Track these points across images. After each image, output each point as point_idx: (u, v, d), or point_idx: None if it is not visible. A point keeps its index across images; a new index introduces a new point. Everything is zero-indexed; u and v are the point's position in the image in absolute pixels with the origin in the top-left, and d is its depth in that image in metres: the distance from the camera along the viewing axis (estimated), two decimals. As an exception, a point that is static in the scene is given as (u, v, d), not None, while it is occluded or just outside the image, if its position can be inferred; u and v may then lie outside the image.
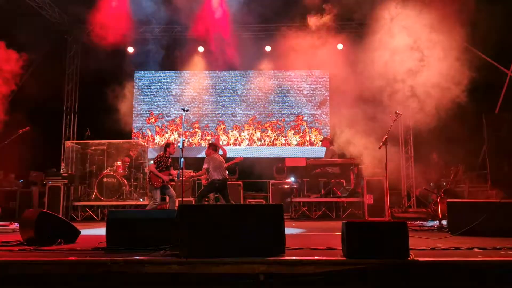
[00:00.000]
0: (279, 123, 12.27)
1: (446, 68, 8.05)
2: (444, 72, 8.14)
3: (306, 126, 12.24)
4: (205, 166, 7.81)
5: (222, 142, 11.88)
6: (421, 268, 3.23)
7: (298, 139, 12.20)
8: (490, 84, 8.13)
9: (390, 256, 3.26)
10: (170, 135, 12.32)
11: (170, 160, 8.08)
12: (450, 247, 3.96)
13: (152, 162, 8.29)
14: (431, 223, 6.98)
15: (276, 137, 12.24)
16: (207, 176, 7.95)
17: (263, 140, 12.25)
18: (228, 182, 9.67)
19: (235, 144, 12.21)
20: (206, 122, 12.32)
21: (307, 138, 12.21)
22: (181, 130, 10.93)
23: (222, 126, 12.35)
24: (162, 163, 7.89)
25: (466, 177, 8.71)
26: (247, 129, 12.29)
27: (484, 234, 4.85)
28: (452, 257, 3.53)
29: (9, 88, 8.44)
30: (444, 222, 6.16)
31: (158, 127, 12.40)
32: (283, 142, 12.20)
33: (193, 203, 8.93)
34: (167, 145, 8.10)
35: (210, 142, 8.78)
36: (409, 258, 3.25)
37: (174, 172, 8.16)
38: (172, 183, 8.09)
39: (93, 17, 10.08)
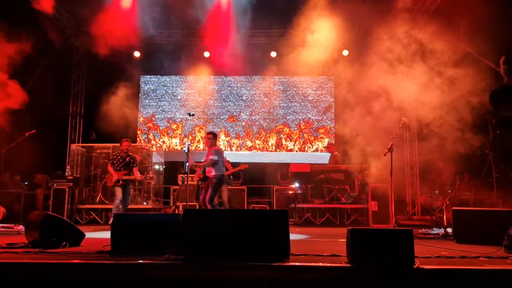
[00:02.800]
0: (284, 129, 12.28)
1: (451, 75, 8.05)
2: (450, 79, 8.14)
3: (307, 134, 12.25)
4: (215, 158, 7.19)
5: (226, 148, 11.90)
6: (426, 276, 3.21)
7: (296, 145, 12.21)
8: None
9: (395, 264, 3.25)
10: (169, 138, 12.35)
11: (128, 159, 7.91)
12: (456, 255, 3.93)
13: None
14: (436, 230, 6.94)
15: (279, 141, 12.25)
16: (214, 169, 7.20)
17: (263, 145, 12.25)
18: (232, 187, 9.71)
19: (238, 149, 12.22)
20: (211, 127, 12.35)
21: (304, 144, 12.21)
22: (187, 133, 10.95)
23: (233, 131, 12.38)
24: (116, 161, 7.82)
25: (472, 184, 8.66)
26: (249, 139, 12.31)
27: (490, 243, 4.81)
28: (458, 265, 3.50)
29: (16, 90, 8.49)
30: (449, 230, 6.12)
31: (164, 132, 12.44)
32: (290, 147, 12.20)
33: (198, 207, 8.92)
34: (120, 143, 8.05)
35: (211, 131, 7.85)
36: (414, 266, 3.24)
37: (137, 174, 7.96)
38: (118, 184, 7.76)
39: (99, 21, 10.15)
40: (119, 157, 7.92)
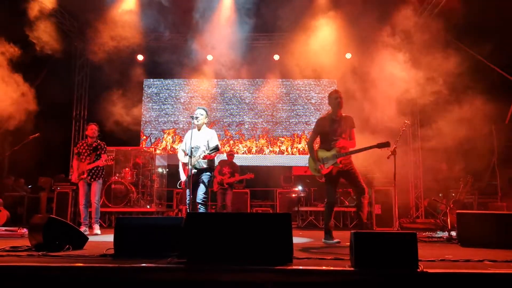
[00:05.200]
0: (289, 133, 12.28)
1: (456, 78, 8.03)
2: (454, 83, 8.12)
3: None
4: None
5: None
6: (430, 280, 3.19)
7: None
8: (500, 94, 8.09)
9: (399, 267, 3.23)
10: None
11: (95, 144, 6.90)
12: (460, 259, 3.91)
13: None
14: (440, 234, 6.90)
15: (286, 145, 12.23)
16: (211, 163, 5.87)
17: (271, 149, 12.24)
18: (235, 191, 9.70)
19: (243, 152, 12.21)
20: (214, 129, 12.36)
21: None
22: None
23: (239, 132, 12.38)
24: (82, 150, 6.86)
25: (476, 188, 8.63)
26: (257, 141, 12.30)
27: (495, 246, 4.79)
28: (462, 269, 3.47)
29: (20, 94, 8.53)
30: (453, 233, 6.09)
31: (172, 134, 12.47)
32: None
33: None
34: (86, 128, 7.23)
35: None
36: (418, 270, 3.22)
37: (100, 162, 6.73)
38: (82, 176, 6.78)
39: (103, 25, 10.20)
40: (85, 145, 6.85)
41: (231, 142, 12.28)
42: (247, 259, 3.44)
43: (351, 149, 5.45)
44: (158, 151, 11.59)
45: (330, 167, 5.42)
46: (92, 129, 6.95)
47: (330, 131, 5.47)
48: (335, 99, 5.48)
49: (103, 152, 6.92)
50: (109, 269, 3.35)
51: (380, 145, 5.39)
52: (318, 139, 5.78)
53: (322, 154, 5.53)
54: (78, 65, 12.28)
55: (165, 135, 12.43)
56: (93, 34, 10.88)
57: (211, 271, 3.30)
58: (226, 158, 9.46)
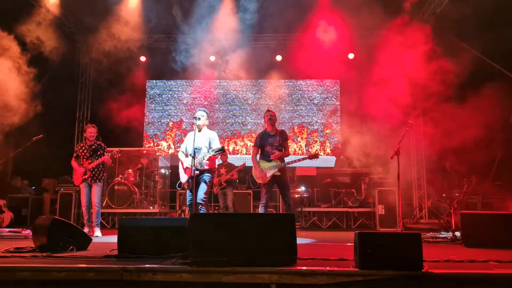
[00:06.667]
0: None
1: (458, 78, 8.01)
2: (456, 82, 8.10)
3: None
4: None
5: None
6: (435, 280, 3.18)
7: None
8: (504, 94, 8.05)
9: (404, 268, 3.22)
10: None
11: (95, 146, 6.88)
12: (465, 259, 3.89)
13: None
14: (444, 234, 6.88)
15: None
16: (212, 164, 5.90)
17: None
18: (238, 191, 9.70)
19: (246, 153, 12.21)
20: (216, 130, 12.36)
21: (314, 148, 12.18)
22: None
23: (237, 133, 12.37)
24: (81, 153, 6.86)
25: (480, 188, 8.60)
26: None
27: (500, 246, 4.77)
28: (467, 269, 3.46)
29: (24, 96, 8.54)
30: (457, 233, 6.07)
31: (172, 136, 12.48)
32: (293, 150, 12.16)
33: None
34: (84, 130, 7.23)
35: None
36: (423, 270, 3.21)
37: (105, 157, 6.77)
38: (85, 176, 6.79)
39: (106, 27, 10.23)
40: (84, 148, 6.85)
41: (226, 140, 12.28)
42: (252, 260, 3.44)
43: (287, 160, 6.30)
44: (162, 144, 11.60)
45: (270, 175, 6.20)
46: (91, 132, 6.91)
47: (268, 145, 6.33)
48: (268, 117, 6.48)
49: (105, 153, 6.91)
50: (112, 270, 3.35)
51: (310, 157, 6.37)
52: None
53: (264, 164, 6.31)
54: (81, 67, 12.30)
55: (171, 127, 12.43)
56: (96, 36, 10.90)
57: (215, 272, 3.30)
58: (221, 162, 9.44)
